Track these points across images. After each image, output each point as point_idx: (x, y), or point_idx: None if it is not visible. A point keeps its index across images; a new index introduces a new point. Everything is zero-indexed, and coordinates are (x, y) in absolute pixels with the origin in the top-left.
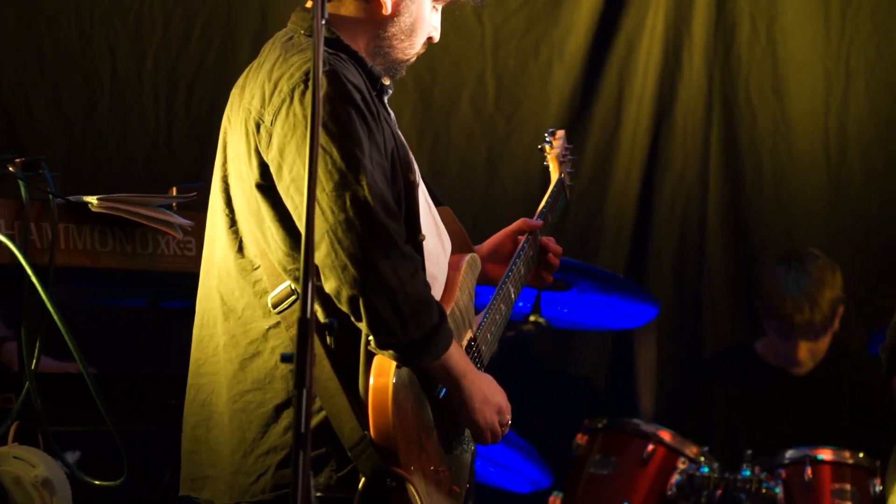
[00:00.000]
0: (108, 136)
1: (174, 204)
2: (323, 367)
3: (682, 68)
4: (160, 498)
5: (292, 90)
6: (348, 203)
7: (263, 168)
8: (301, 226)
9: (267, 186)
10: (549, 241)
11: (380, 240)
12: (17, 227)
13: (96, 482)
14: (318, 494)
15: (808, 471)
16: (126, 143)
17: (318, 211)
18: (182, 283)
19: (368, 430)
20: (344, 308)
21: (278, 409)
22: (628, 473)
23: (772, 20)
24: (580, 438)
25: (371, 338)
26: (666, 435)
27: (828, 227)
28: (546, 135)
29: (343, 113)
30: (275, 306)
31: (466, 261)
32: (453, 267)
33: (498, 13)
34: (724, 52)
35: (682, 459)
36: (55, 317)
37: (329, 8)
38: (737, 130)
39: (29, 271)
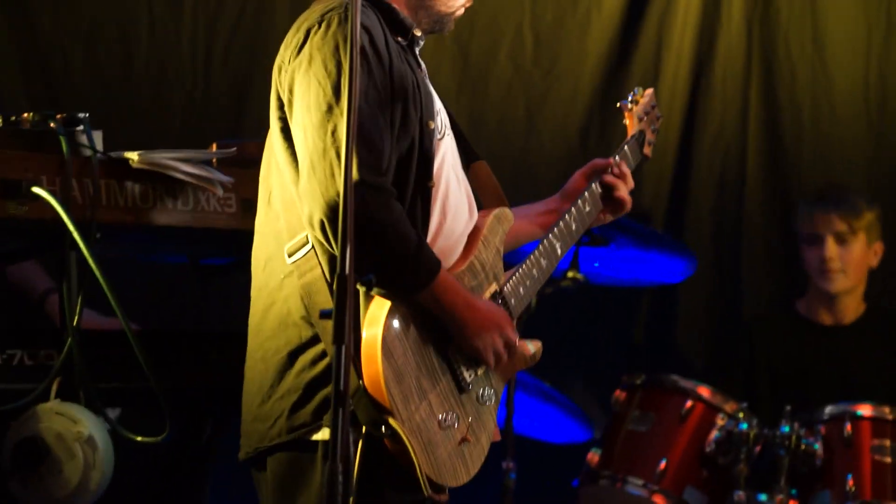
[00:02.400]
0: (146, 90)
1: (214, 160)
2: None
3: (721, 21)
4: (201, 454)
5: (308, 30)
6: (329, 132)
7: (281, 111)
8: (298, 164)
9: (286, 128)
10: (620, 165)
11: (361, 179)
12: (59, 182)
13: (138, 438)
14: (327, 431)
15: (848, 426)
16: (164, 98)
17: (303, 140)
18: (223, 240)
19: (359, 380)
20: (316, 234)
21: (291, 355)
22: (667, 430)
23: None
24: (619, 394)
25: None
26: (705, 391)
27: (868, 180)
28: (630, 94)
29: (343, 52)
30: (290, 255)
31: (493, 215)
32: (478, 221)
33: None
34: (764, 5)
35: (720, 416)
36: (97, 273)
37: None
38: (776, 84)
39: (71, 227)
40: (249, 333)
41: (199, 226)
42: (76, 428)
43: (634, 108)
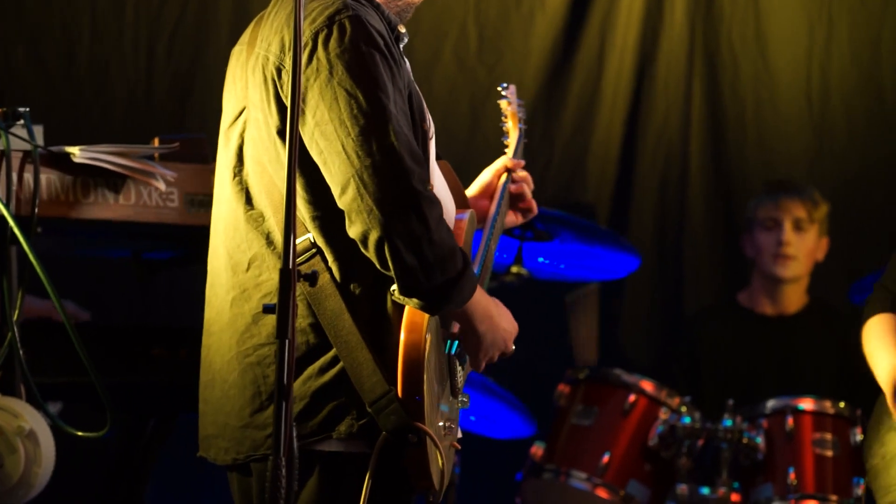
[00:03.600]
0: (88, 86)
1: (156, 154)
2: (343, 321)
3: (665, 18)
4: (143, 450)
5: (315, 34)
6: (375, 148)
7: (284, 114)
8: (326, 171)
9: (285, 130)
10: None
11: (406, 184)
12: (0, 178)
13: (79, 433)
14: (339, 444)
15: (790, 420)
16: (106, 93)
17: (343, 155)
18: (166, 235)
19: (393, 384)
20: (370, 253)
21: (299, 362)
22: (610, 424)
23: None
24: (562, 388)
25: (395, 286)
26: (648, 385)
27: (810, 177)
28: (501, 89)
29: (368, 57)
30: None
31: (467, 217)
32: (456, 223)
33: None
34: (707, 2)
35: (663, 410)
36: (37, 268)
37: None
38: (719, 80)
39: (11, 222)
40: (227, 333)
41: (142, 220)
42: (17, 422)
43: (513, 103)
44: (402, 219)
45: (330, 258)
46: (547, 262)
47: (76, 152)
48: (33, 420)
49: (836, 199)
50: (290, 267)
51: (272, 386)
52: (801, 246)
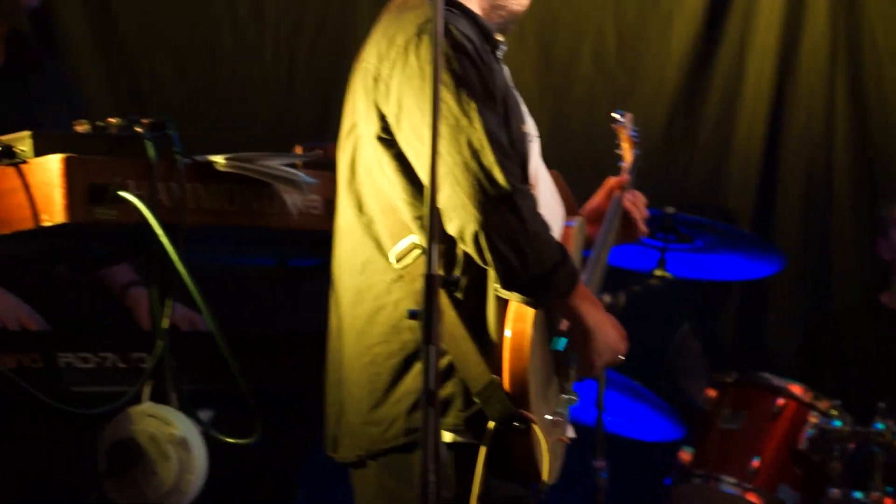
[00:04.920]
0: (231, 95)
1: (299, 162)
2: (448, 315)
3: (806, 15)
4: (292, 455)
5: (407, 43)
6: (464, 145)
7: (383, 120)
8: (422, 173)
9: (387, 139)
10: (635, 195)
11: (498, 180)
12: (146, 187)
13: (229, 440)
14: (447, 435)
15: None
16: (248, 103)
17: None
18: (310, 241)
19: (498, 373)
20: (468, 248)
21: (408, 360)
22: (759, 428)
23: None
24: (709, 393)
25: (497, 281)
26: (797, 389)
27: None
28: (616, 115)
29: (456, 62)
30: (398, 260)
31: (576, 224)
32: (564, 229)
33: None
34: (849, 0)
35: (813, 413)
36: (185, 276)
37: None
38: (863, 79)
39: (158, 231)
40: (348, 337)
41: (286, 227)
42: (169, 430)
43: (628, 128)
44: (495, 213)
45: (463, 264)
46: (690, 265)
47: (221, 161)
48: (185, 428)
49: None
50: (433, 272)
51: (386, 382)
52: None
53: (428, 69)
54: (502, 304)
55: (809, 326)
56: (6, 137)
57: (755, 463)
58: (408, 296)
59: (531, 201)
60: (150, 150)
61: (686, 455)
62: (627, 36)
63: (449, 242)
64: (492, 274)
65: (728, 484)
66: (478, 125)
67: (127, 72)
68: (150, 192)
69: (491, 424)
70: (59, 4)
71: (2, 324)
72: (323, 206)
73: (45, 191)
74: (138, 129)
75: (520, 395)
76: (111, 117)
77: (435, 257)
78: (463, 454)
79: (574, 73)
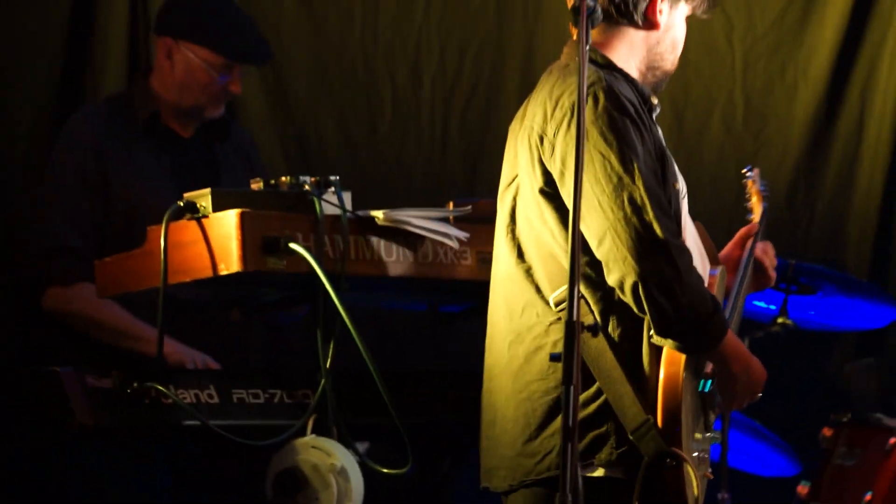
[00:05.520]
0: (390, 156)
1: (451, 217)
2: (606, 358)
3: None
4: (441, 485)
5: (573, 105)
6: (626, 202)
7: (547, 175)
8: (585, 225)
9: (550, 192)
10: (765, 245)
11: (656, 234)
12: (313, 239)
13: (384, 470)
14: (600, 470)
15: None
16: (405, 162)
17: (599, 211)
18: (459, 289)
19: (653, 413)
20: (627, 298)
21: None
22: (872, 464)
23: None
24: (826, 431)
25: (653, 329)
26: None
27: None
28: (745, 171)
29: (619, 122)
30: (556, 304)
31: (718, 273)
32: (709, 277)
33: (747, 37)
34: None
35: None
36: (346, 320)
37: (602, 37)
38: None
39: (323, 279)
40: (505, 375)
41: (438, 276)
42: (330, 460)
43: (757, 182)
44: (654, 265)
45: (592, 302)
46: (812, 313)
47: (380, 216)
48: (344, 458)
49: None
50: (574, 319)
51: (540, 417)
52: None
53: (592, 129)
54: (656, 349)
55: None
56: (189, 195)
57: (868, 496)
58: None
59: (687, 255)
60: (318, 206)
61: (803, 489)
62: (755, 102)
63: (604, 290)
64: (647, 321)
65: None
66: (639, 182)
67: (296, 135)
68: (317, 244)
69: (644, 461)
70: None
71: (187, 363)
72: (472, 257)
73: (223, 242)
74: (307, 187)
75: (672, 434)
76: (283, 176)
77: (576, 305)
78: (614, 489)
79: (704, 136)
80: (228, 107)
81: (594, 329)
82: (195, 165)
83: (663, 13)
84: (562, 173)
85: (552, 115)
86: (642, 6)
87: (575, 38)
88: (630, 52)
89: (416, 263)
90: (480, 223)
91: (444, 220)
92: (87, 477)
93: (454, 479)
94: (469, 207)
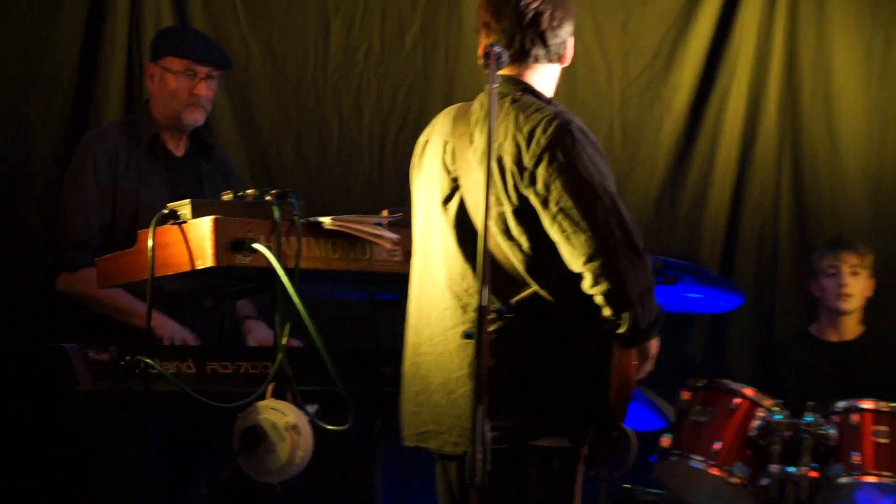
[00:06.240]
0: (336, 173)
1: (385, 222)
2: (563, 348)
3: (761, 118)
4: (373, 441)
5: (550, 141)
6: (614, 226)
7: (522, 200)
8: (569, 245)
9: (524, 213)
10: None
11: (637, 250)
12: (273, 240)
13: (329, 427)
14: (550, 441)
15: (855, 416)
16: (349, 178)
17: (588, 232)
18: (391, 281)
19: (606, 395)
20: (607, 303)
21: (523, 376)
22: (721, 420)
23: (827, 81)
24: (685, 394)
25: (608, 325)
26: (749, 391)
27: (870, 238)
28: None
29: (594, 156)
30: (514, 303)
31: None
32: None
33: (624, 79)
34: (792, 105)
35: (760, 409)
36: (299, 306)
37: (526, 72)
38: (801, 166)
39: (281, 273)
40: (459, 359)
41: (374, 270)
42: (285, 419)
43: None
44: (636, 277)
45: (552, 305)
46: (675, 299)
47: (327, 221)
48: (297, 417)
49: (890, 252)
50: (484, 305)
51: (493, 395)
52: (856, 286)
53: (574, 163)
54: (607, 345)
55: (759, 349)
56: (172, 204)
57: (717, 446)
58: (530, 329)
59: (651, 268)
60: (276, 213)
61: (666, 440)
62: (630, 131)
63: (567, 296)
64: (593, 310)
65: (696, 461)
66: (619, 204)
67: (260, 156)
68: (276, 244)
69: (592, 434)
70: (214, 104)
71: (169, 340)
72: (402, 255)
73: (199, 243)
74: (268, 198)
75: (622, 412)
76: (248, 189)
77: (486, 294)
78: (559, 457)
79: None
80: (209, 130)
81: (501, 313)
82: (186, 179)
83: (568, 49)
84: (545, 199)
85: (528, 147)
86: (560, 44)
87: (514, 74)
88: (547, 84)
89: (356, 260)
90: (408, 227)
91: (380, 224)
92: (90, 434)
93: (385, 435)
94: (400, 214)
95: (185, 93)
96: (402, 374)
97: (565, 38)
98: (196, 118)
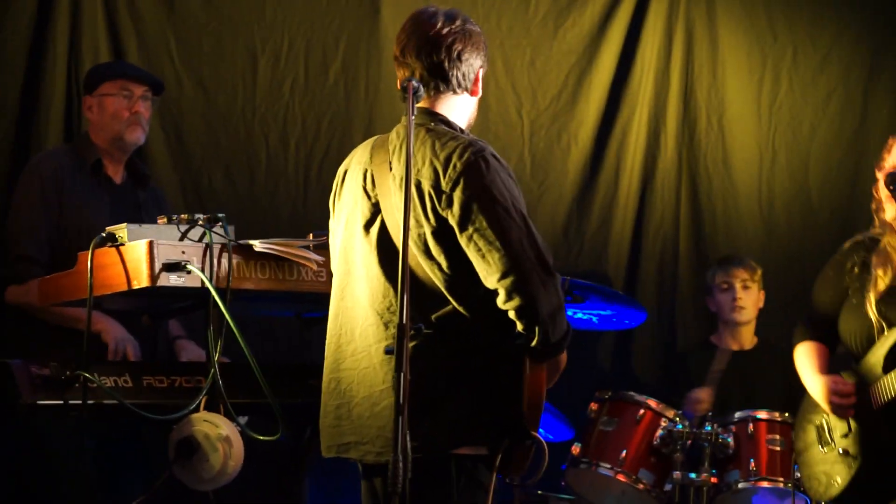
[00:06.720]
0: (265, 199)
1: (311, 245)
2: (478, 360)
3: (660, 148)
4: (302, 450)
5: (467, 166)
6: (526, 245)
7: (440, 221)
8: (484, 263)
9: (442, 234)
10: None
11: (549, 268)
12: (205, 262)
13: (260, 437)
14: (469, 450)
15: (751, 426)
16: (276, 204)
17: (502, 251)
18: (318, 300)
19: (520, 407)
20: (520, 319)
21: (443, 389)
22: (627, 430)
23: (721, 114)
24: (593, 406)
25: (522, 340)
26: (652, 402)
27: (762, 257)
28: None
29: (507, 181)
30: (434, 320)
31: None
32: None
33: (532, 111)
34: (689, 137)
35: (663, 419)
36: (231, 324)
37: (440, 104)
38: (698, 191)
39: (213, 292)
40: (382, 374)
41: (301, 290)
42: (218, 430)
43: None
44: (548, 293)
45: (469, 321)
46: (582, 317)
47: (256, 244)
48: (229, 428)
49: (779, 271)
50: (404, 322)
51: (414, 407)
52: (748, 299)
53: (490, 187)
54: (518, 358)
55: (662, 360)
56: (110, 228)
57: (623, 454)
58: (446, 344)
59: (561, 287)
60: (208, 237)
61: (576, 448)
62: (539, 160)
63: (482, 311)
64: (507, 326)
65: (604, 468)
66: (531, 226)
67: (193, 182)
68: (208, 265)
69: (505, 442)
70: (149, 134)
71: (114, 344)
72: (327, 275)
73: (135, 265)
74: (200, 222)
75: (534, 422)
76: (182, 213)
77: (406, 310)
78: (478, 463)
79: None
80: (144, 159)
81: (419, 331)
82: (125, 204)
83: (479, 82)
84: (462, 220)
85: (444, 172)
86: (471, 77)
87: (428, 106)
88: (460, 115)
89: (284, 280)
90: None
91: (306, 247)
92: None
93: (313, 444)
94: (325, 238)
95: (125, 111)
96: (322, 390)
97: (475, 70)
98: (137, 136)
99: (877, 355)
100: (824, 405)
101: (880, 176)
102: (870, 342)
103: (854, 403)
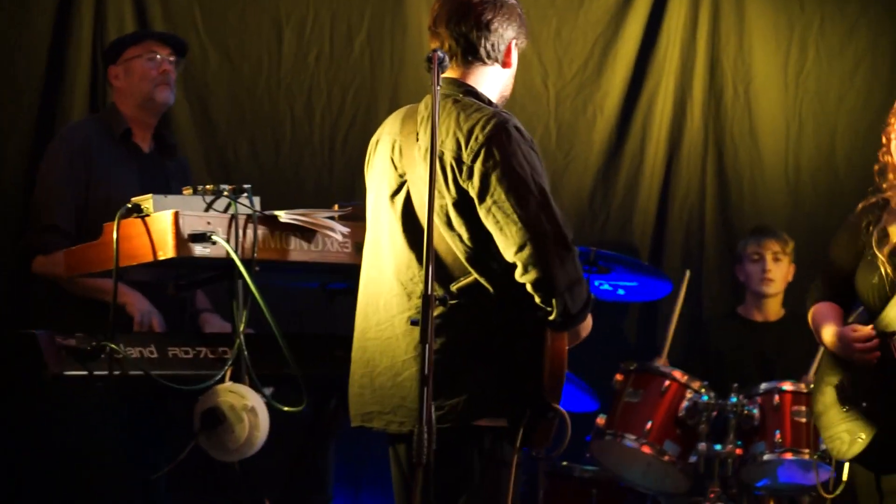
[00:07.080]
0: (290, 169)
1: (336, 216)
2: (500, 335)
3: (686, 118)
4: (328, 421)
5: (489, 138)
6: (543, 218)
7: (461, 193)
8: (503, 235)
9: (463, 205)
10: None
11: (566, 242)
12: (231, 233)
13: (285, 408)
14: (490, 421)
15: (776, 397)
16: (302, 174)
17: (519, 224)
18: (343, 271)
19: (541, 379)
20: (538, 292)
21: (467, 360)
22: (651, 401)
23: (747, 84)
24: (618, 377)
25: (541, 311)
26: (678, 374)
27: (788, 228)
28: None
29: (528, 154)
30: (456, 288)
31: None
32: None
33: (558, 82)
34: (716, 107)
35: (689, 391)
36: (256, 295)
37: (468, 74)
38: (724, 162)
39: (238, 263)
40: (406, 344)
41: (326, 261)
42: (243, 401)
43: None
44: (564, 267)
45: (491, 294)
46: (608, 288)
47: (282, 215)
48: (254, 399)
49: (806, 241)
50: (429, 293)
51: (436, 378)
52: (778, 272)
53: (509, 159)
54: (541, 328)
55: (688, 331)
56: (135, 199)
57: (648, 425)
58: (464, 316)
59: (579, 260)
60: (233, 207)
61: (601, 420)
62: (564, 130)
63: (504, 284)
64: (530, 304)
65: (629, 440)
66: (549, 199)
67: (218, 154)
68: (234, 236)
69: (528, 414)
70: (174, 107)
71: (140, 317)
72: (352, 246)
73: (161, 235)
74: (225, 193)
75: (556, 394)
76: (207, 184)
77: (430, 281)
78: (499, 434)
79: None
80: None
81: (444, 301)
82: (154, 173)
83: (513, 55)
84: (481, 192)
85: (466, 144)
86: (502, 48)
87: (457, 76)
88: (491, 86)
89: (309, 251)
90: (359, 220)
91: (331, 218)
92: (59, 417)
93: (338, 415)
94: (350, 209)
95: (152, 70)
96: (352, 360)
97: (506, 41)
98: (166, 96)
99: (895, 309)
100: (846, 353)
101: (886, 139)
102: (888, 298)
103: (876, 346)
